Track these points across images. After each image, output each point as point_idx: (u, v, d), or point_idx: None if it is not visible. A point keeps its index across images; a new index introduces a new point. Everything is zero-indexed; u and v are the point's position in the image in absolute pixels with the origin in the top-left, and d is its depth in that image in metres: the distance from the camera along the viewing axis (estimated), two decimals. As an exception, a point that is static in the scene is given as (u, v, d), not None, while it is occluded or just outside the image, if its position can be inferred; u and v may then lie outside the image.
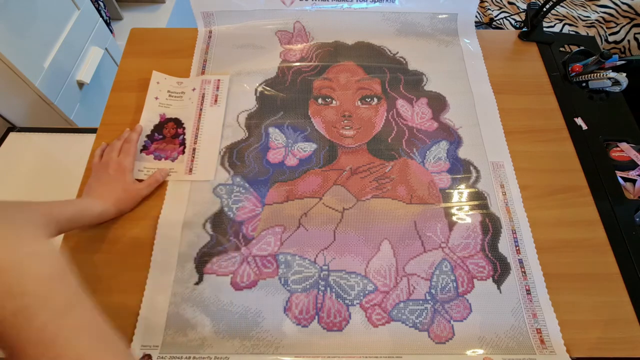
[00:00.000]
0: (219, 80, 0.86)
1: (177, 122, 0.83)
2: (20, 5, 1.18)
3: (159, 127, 0.83)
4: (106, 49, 1.59)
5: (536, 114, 0.86)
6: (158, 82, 0.88)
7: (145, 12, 1.89)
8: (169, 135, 0.82)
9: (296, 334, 0.62)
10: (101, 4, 1.64)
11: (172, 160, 0.78)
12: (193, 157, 0.78)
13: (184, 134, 0.81)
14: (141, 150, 0.80)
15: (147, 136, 0.81)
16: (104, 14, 1.64)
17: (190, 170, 0.77)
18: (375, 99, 0.85)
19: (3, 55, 1.11)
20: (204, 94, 0.85)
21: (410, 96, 0.86)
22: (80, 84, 1.45)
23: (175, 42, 0.94)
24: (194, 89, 0.86)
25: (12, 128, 1.19)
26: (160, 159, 0.79)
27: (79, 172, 0.77)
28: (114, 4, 1.78)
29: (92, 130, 0.86)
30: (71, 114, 1.39)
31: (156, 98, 0.86)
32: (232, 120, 0.82)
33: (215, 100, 0.84)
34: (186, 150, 0.79)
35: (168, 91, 0.87)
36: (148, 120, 0.83)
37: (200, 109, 0.84)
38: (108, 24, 1.66)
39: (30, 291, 0.38)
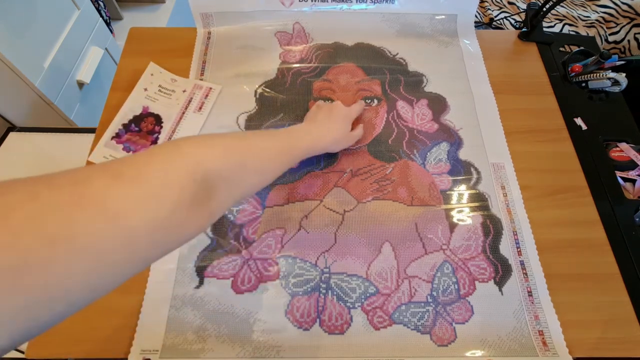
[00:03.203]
0: (210, 88, 0.86)
1: (157, 119, 0.82)
2: (20, 5, 1.18)
3: (138, 119, 0.82)
4: (106, 49, 1.60)
5: (536, 114, 0.86)
6: (152, 74, 0.87)
7: (145, 12, 1.90)
8: (145, 129, 0.81)
9: (297, 337, 0.62)
10: (101, 4, 1.64)
11: None
12: None
13: (159, 132, 0.81)
14: (112, 138, 0.79)
15: (123, 125, 0.81)
16: (104, 14, 1.64)
17: None
18: (376, 101, 0.85)
19: (3, 55, 1.11)
20: (191, 98, 0.85)
21: (411, 97, 0.86)
22: (80, 84, 1.45)
23: (175, 41, 0.94)
24: (184, 91, 0.86)
25: (12, 128, 1.19)
26: (128, 151, 0.78)
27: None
28: (114, 4, 1.78)
29: (92, 130, 0.86)
30: (71, 114, 1.40)
31: (145, 89, 0.86)
32: (231, 122, 0.82)
33: (200, 108, 0.84)
34: None
35: (159, 85, 0.86)
36: (130, 109, 0.83)
37: (183, 113, 0.83)
38: (108, 24, 1.67)
39: None
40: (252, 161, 0.50)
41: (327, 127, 0.71)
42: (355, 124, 0.79)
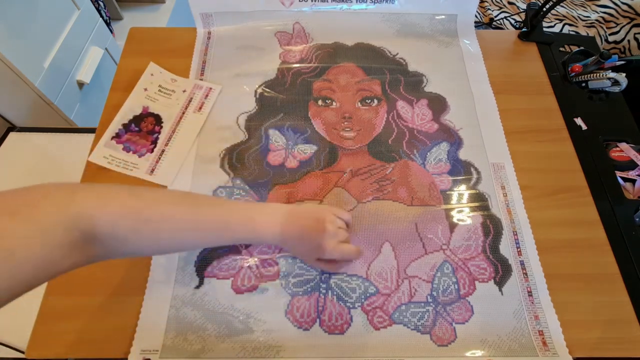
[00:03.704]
0: (210, 88, 0.86)
1: (157, 119, 0.82)
2: (20, 5, 1.18)
3: (138, 119, 0.82)
4: (106, 49, 1.60)
5: (536, 114, 0.86)
6: (152, 75, 0.87)
7: (145, 12, 1.90)
8: (145, 129, 0.81)
9: (297, 337, 0.62)
10: (101, 4, 1.64)
11: (139, 156, 0.78)
12: (159, 158, 0.78)
13: (159, 132, 0.81)
14: (112, 138, 0.79)
15: (123, 125, 0.81)
16: (104, 14, 1.64)
17: (152, 171, 0.76)
18: (376, 101, 0.85)
19: (3, 55, 1.11)
20: (191, 98, 0.85)
21: (411, 97, 0.86)
22: (80, 84, 1.45)
23: (175, 41, 0.94)
24: (184, 91, 0.86)
25: (12, 128, 1.19)
26: (128, 151, 0.78)
27: (78, 172, 0.77)
28: (114, 4, 1.79)
29: (92, 130, 0.86)
30: (71, 114, 1.40)
31: (145, 89, 0.86)
32: (231, 122, 0.82)
33: (200, 108, 0.84)
34: (156, 149, 0.79)
35: (159, 85, 0.86)
36: (130, 109, 0.83)
37: (183, 113, 0.83)
38: (108, 24, 1.67)
39: None
40: (149, 231, 0.50)
41: (288, 240, 0.60)
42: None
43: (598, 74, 0.87)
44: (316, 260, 0.63)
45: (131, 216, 0.47)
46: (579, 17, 1.32)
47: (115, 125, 0.80)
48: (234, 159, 0.78)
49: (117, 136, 0.79)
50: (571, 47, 0.97)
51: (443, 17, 0.95)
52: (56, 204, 0.41)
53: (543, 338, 0.63)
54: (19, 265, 0.37)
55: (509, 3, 1.40)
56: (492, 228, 0.72)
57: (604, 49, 1.21)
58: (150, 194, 0.53)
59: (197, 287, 0.66)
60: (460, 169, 0.78)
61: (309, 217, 0.61)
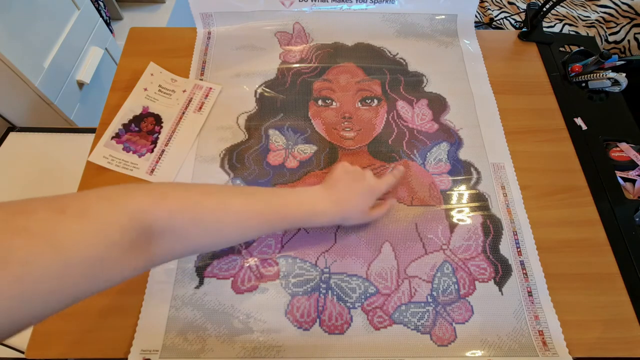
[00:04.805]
0: (210, 88, 0.86)
1: (157, 119, 0.82)
2: (20, 5, 1.18)
3: (138, 119, 0.82)
4: (106, 49, 1.60)
5: (536, 114, 0.86)
6: (152, 74, 0.87)
7: (145, 12, 1.90)
8: (145, 129, 0.81)
9: (297, 337, 0.62)
10: (101, 4, 1.64)
11: (139, 156, 0.78)
12: (159, 158, 0.78)
13: (159, 132, 0.81)
14: (112, 138, 0.79)
15: (123, 125, 0.81)
16: (104, 14, 1.64)
17: (152, 171, 0.76)
18: (376, 101, 0.85)
19: (3, 55, 1.11)
20: (191, 98, 0.85)
21: (411, 97, 0.86)
22: (80, 84, 1.45)
23: (175, 41, 0.94)
24: (184, 91, 0.86)
25: (12, 128, 1.19)
26: (128, 151, 0.78)
27: (78, 172, 0.77)
28: (114, 4, 1.79)
29: (92, 130, 0.86)
30: (71, 114, 1.40)
31: (145, 89, 0.85)
32: (231, 122, 0.82)
33: (200, 108, 0.83)
34: (156, 149, 0.79)
35: (159, 85, 0.86)
36: (130, 109, 0.83)
37: (183, 113, 0.83)
38: (108, 24, 1.67)
39: None
40: (211, 221, 0.49)
41: (342, 201, 0.61)
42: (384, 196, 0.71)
43: (598, 74, 0.87)
44: (371, 211, 0.66)
45: (190, 208, 0.46)
46: (579, 17, 1.32)
47: (115, 125, 0.80)
48: (234, 159, 0.78)
49: (117, 136, 0.79)
50: (571, 47, 0.97)
51: (443, 17, 0.95)
52: (111, 201, 0.39)
53: (543, 338, 0.63)
54: (68, 263, 0.34)
55: (509, 3, 1.40)
56: (492, 228, 0.72)
57: (604, 49, 1.21)
58: (201, 187, 0.52)
59: (197, 287, 0.66)
60: (460, 169, 0.78)
61: (342, 176, 0.64)
